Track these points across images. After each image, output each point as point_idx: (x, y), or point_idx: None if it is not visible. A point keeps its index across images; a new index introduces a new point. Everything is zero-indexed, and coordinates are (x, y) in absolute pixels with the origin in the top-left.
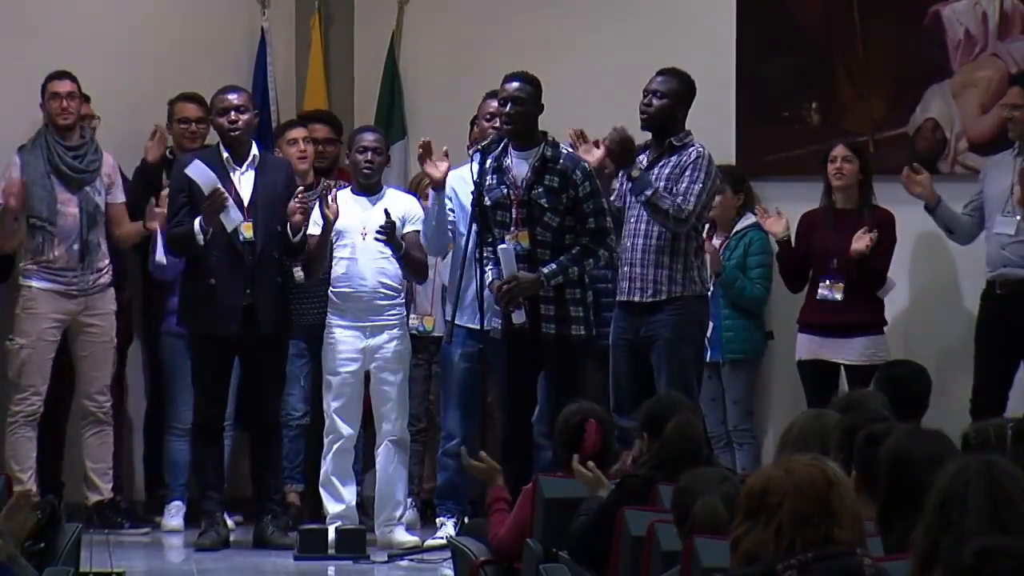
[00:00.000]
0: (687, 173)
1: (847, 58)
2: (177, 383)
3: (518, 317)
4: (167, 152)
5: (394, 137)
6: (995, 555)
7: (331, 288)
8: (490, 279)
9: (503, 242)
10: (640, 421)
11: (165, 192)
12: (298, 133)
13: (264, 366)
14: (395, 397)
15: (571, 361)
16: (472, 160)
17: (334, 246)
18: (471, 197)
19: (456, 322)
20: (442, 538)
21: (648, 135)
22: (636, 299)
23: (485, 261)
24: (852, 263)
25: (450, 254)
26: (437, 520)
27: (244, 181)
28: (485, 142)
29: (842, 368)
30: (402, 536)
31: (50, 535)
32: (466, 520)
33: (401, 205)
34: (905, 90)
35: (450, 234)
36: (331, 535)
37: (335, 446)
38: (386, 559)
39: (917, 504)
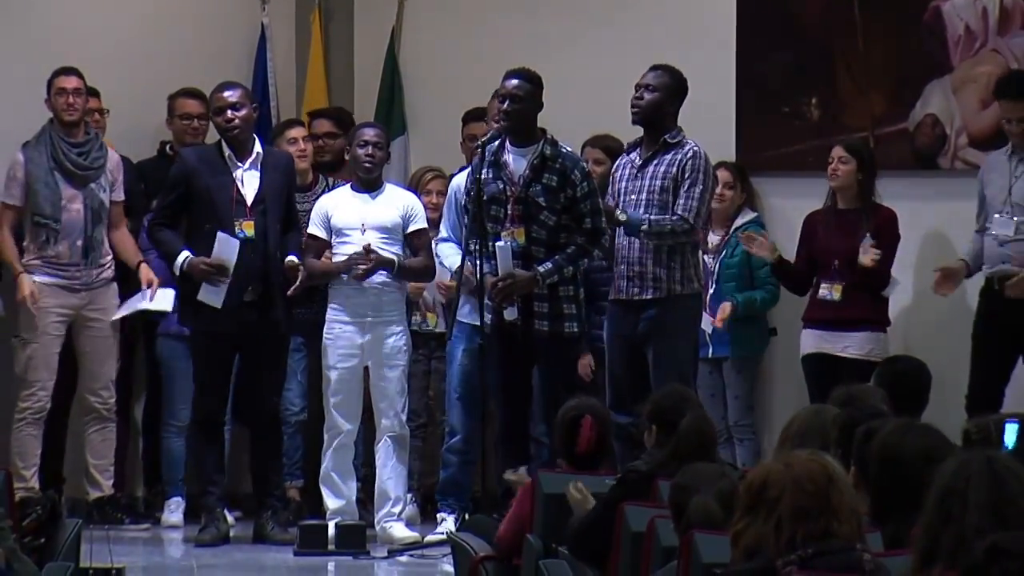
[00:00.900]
0: (686, 176)
1: (847, 54)
2: (174, 382)
3: (510, 314)
4: (167, 148)
5: (394, 132)
6: (1007, 553)
7: (330, 284)
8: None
9: (499, 239)
10: (647, 414)
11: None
12: (297, 132)
13: (264, 362)
14: (395, 393)
15: (564, 358)
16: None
17: (334, 243)
18: None
19: (458, 318)
20: (442, 533)
21: (636, 136)
22: (633, 298)
23: (474, 254)
24: (855, 266)
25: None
26: (438, 516)
27: (248, 179)
28: (486, 137)
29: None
30: (402, 532)
31: (50, 530)
32: (467, 516)
33: (401, 202)
34: (905, 86)
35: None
36: (331, 531)
37: (335, 442)
38: (386, 555)
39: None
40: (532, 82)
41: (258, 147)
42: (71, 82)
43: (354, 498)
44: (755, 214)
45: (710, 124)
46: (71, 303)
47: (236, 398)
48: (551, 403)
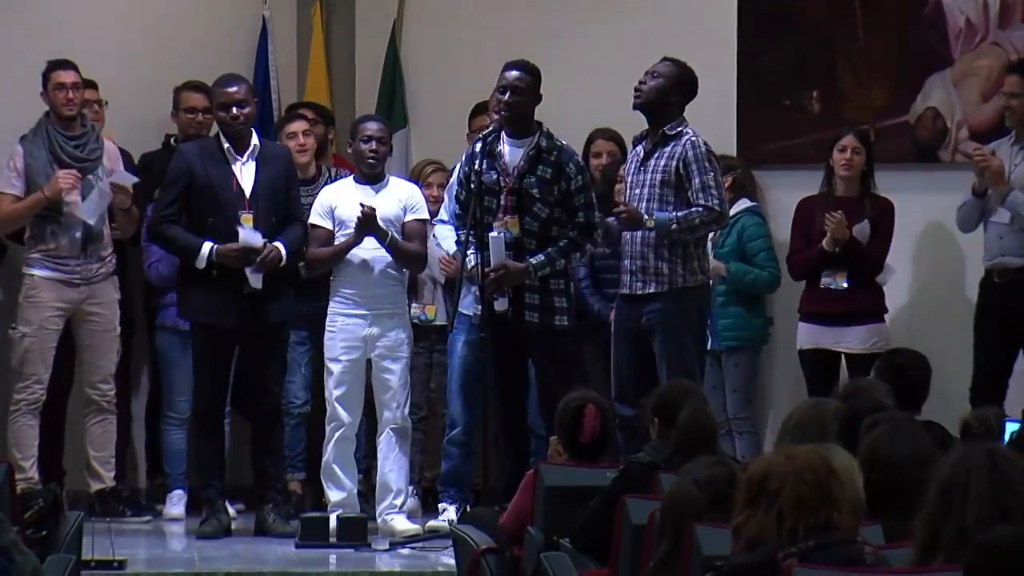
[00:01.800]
0: (692, 169)
1: (848, 46)
2: (173, 375)
3: (500, 304)
4: (171, 140)
5: (395, 126)
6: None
7: (333, 276)
8: (471, 263)
9: (492, 229)
10: (652, 407)
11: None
12: (297, 127)
13: (265, 355)
14: (396, 385)
15: (556, 351)
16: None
17: (337, 235)
18: None
19: (460, 309)
20: (444, 521)
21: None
22: (637, 292)
23: (469, 244)
24: (851, 251)
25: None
26: (439, 506)
27: (245, 172)
28: (488, 130)
29: (843, 357)
30: (403, 524)
31: (52, 523)
32: (468, 508)
33: (403, 193)
34: (906, 79)
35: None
36: (332, 523)
37: (336, 434)
38: (387, 547)
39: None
40: (532, 74)
41: (255, 140)
42: (69, 76)
43: (355, 491)
44: (752, 203)
45: (711, 117)
46: (70, 297)
47: (236, 391)
48: (546, 397)
